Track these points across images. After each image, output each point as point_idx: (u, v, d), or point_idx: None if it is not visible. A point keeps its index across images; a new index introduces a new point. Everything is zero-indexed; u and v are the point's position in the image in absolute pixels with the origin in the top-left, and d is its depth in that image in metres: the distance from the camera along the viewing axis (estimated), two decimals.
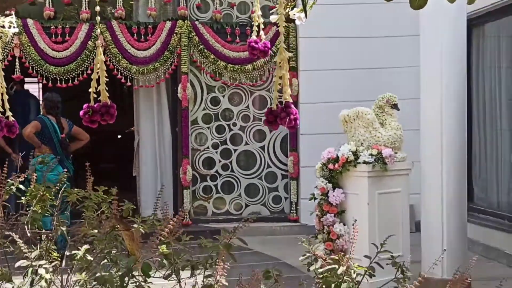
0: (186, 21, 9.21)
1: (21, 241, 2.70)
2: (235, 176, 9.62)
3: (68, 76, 9.04)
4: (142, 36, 9.25)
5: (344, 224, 6.22)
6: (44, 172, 7.51)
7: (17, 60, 8.87)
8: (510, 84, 7.83)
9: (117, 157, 13.19)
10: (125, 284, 2.55)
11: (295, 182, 9.47)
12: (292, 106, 2.37)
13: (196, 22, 9.31)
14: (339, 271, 2.52)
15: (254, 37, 2.58)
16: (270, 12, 3.62)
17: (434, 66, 6.50)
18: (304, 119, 9.27)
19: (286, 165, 9.57)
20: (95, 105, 2.28)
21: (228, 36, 9.35)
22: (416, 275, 3.21)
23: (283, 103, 2.36)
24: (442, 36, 6.30)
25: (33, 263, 2.61)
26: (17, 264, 2.74)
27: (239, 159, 9.65)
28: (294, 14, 3.14)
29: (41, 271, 2.56)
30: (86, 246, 2.80)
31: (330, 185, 6.27)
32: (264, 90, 9.60)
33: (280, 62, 2.37)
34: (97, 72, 2.33)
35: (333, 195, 6.22)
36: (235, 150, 9.62)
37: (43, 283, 2.54)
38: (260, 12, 3.55)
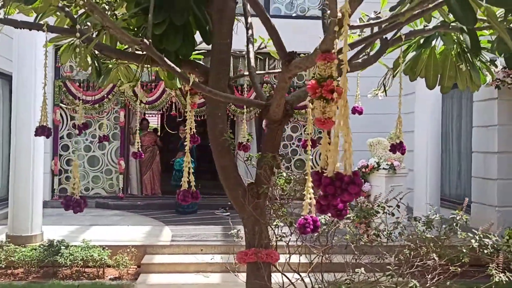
0: (268, 84, 9.85)
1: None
2: (293, 174, 10.20)
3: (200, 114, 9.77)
4: (240, 91, 9.91)
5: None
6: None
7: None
8: (459, 126, 8.27)
9: None
10: None
11: None
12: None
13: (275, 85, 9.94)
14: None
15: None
16: (368, 93, 4.21)
17: (423, 116, 7.05)
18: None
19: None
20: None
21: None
22: None
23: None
24: (429, 97, 6.86)
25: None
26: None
27: (295, 164, 10.24)
28: (380, 94, 3.79)
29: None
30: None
31: (362, 180, 6.89)
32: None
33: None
34: None
35: (365, 186, 6.82)
36: (293, 158, 10.22)
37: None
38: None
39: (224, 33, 2.66)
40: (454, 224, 3.41)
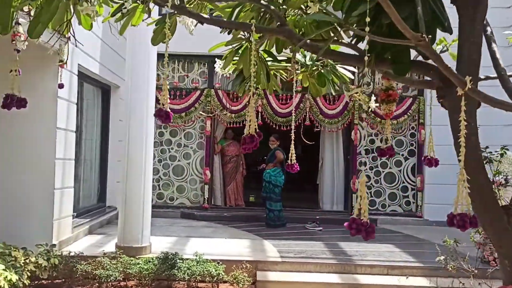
0: None
1: None
2: (382, 187, 9.71)
3: (286, 124, 9.48)
4: (331, 102, 9.58)
5: None
6: (274, 176, 8.03)
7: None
8: None
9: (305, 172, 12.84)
10: None
11: (421, 193, 9.49)
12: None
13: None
14: None
15: None
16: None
17: None
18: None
19: (414, 182, 9.60)
20: None
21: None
22: None
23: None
24: None
25: None
26: None
27: (385, 177, 9.74)
28: None
29: None
30: None
31: None
32: (402, 136, 9.71)
33: None
34: None
35: None
36: (383, 171, 9.74)
37: None
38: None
39: (476, 31, 2.29)
40: None
